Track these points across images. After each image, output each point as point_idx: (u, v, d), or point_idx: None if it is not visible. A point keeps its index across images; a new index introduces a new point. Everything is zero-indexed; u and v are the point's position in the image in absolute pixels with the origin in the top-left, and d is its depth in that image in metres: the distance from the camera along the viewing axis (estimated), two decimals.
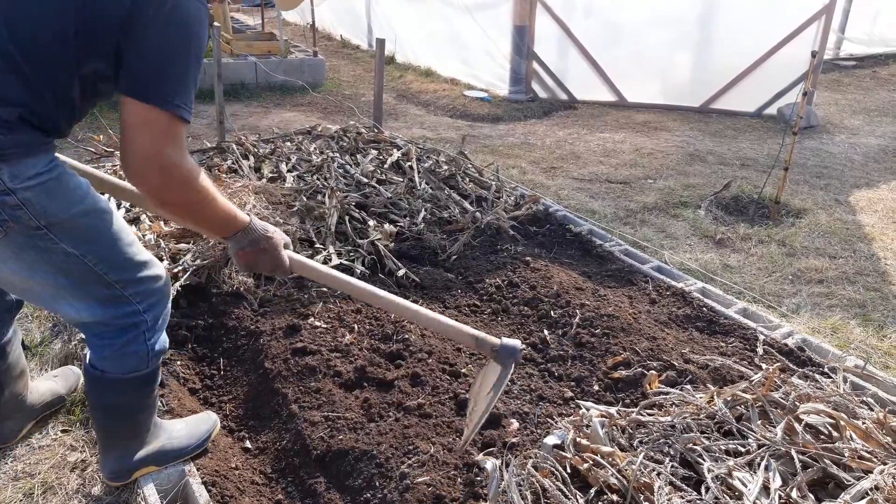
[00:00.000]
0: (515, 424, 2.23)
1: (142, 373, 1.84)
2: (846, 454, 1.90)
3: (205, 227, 1.78)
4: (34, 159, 1.51)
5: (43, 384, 2.36)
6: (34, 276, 1.63)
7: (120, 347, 1.77)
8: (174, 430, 2.07)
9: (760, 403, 2.12)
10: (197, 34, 1.51)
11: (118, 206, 3.48)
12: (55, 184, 1.56)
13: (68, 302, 1.69)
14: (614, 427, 2.10)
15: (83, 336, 2.61)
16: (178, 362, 2.59)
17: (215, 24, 5.00)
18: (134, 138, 1.45)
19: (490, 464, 1.92)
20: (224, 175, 4.07)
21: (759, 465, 1.88)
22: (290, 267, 1.87)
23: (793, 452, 1.90)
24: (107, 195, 2.14)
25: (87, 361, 1.85)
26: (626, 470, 1.86)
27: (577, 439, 2.02)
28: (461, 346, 2.66)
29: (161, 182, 1.50)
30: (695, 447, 1.98)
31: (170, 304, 1.90)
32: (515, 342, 1.98)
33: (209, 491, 1.95)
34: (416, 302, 2.97)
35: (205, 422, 2.16)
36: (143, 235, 3.23)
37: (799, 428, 1.99)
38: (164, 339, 1.88)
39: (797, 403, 2.10)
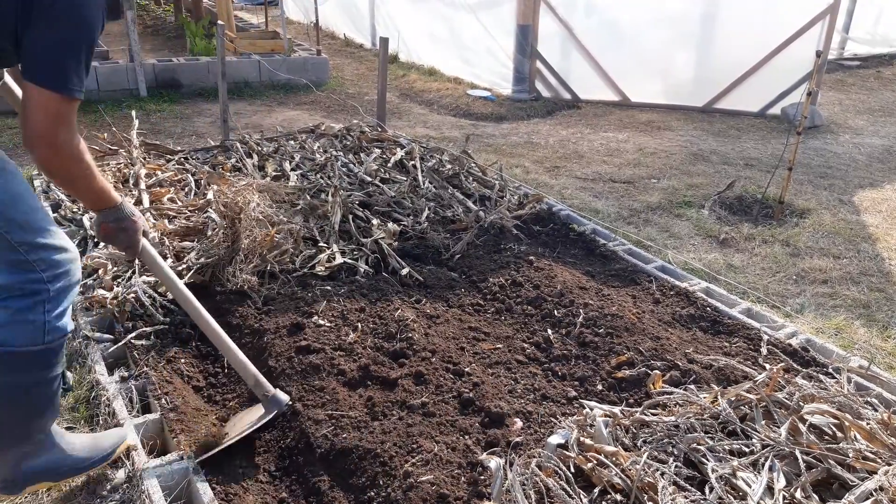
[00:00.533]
0: (519, 423, 2.23)
1: (36, 348, 1.77)
2: (850, 455, 1.90)
3: (81, 198, 1.97)
4: None
5: None
6: None
7: (16, 312, 1.74)
8: (74, 443, 1.98)
9: (764, 404, 2.12)
10: (90, 21, 1.60)
11: None
12: None
13: None
14: (618, 427, 2.10)
15: (91, 334, 2.61)
16: (182, 360, 2.60)
17: (219, 22, 5.00)
18: (30, 116, 1.59)
19: (494, 463, 1.92)
20: (228, 173, 4.07)
21: (763, 465, 1.88)
22: (139, 251, 2.05)
23: (797, 453, 1.90)
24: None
25: None
26: (629, 470, 1.86)
27: (581, 439, 2.02)
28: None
29: (50, 156, 1.65)
30: (699, 447, 1.98)
31: (77, 285, 1.87)
32: (285, 397, 2.25)
33: (213, 489, 1.96)
34: (419, 301, 2.98)
35: (110, 437, 2.07)
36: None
37: (803, 428, 1.99)
38: (66, 322, 1.83)
39: (801, 404, 2.10)
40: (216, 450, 2.07)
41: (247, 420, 2.20)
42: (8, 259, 1.71)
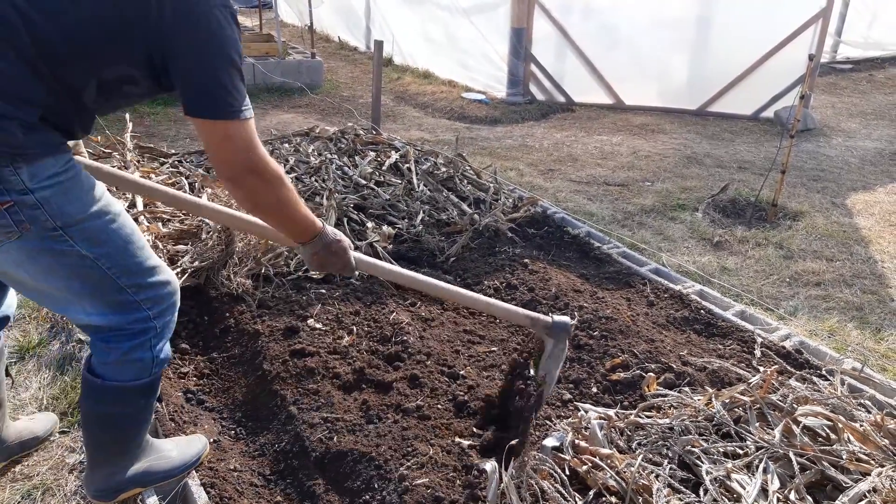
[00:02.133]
0: None
1: (143, 381, 1.79)
2: (844, 456, 1.91)
3: (288, 228, 1.84)
4: (53, 159, 1.51)
5: (20, 423, 2.26)
6: (49, 280, 1.61)
7: (125, 353, 1.74)
8: (164, 450, 2.01)
9: (758, 406, 2.13)
10: (231, 39, 1.52)
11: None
12: (72, 184, 1.56)
13: (80, 306, 1.66)
14: (613, 429, 2.11)
15: (85, 338, 2.61)
16: (177, 361, 2.59)
17: None
18: (219, 153, 1.56)
19: (489, 465, 1.92)
20: None
21: (757, 467, 1.89)
22: (355, 266, 1.99)
23: (791, 455, 1.91)
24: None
25: (86, 367, 1.80)
26: (624, 472, 1.86)
27: (576, 441, 2.03)
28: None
29: (255, 184, 1.61)
30: (693, 449, 1.98)
31: (177, 311, 1.85)
32: (564, 318, 2.12)
33: (208, 493, 1.95)
34: (414, 304, 2.98)
35: (195, 443, 2.10)
36: None
37: (797, 430, 1.99)
38: (168, 349, 1.84)
39: (795, 406, 2.11)
40: (543, 394, 2.09)
41: (548, 361, 2.12)
42: (115, 300, 1.67)
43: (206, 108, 1.50)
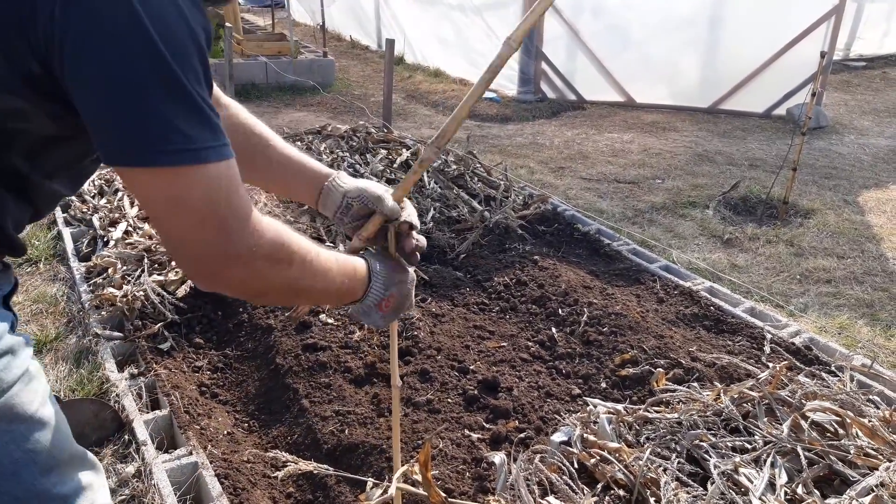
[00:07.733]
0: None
1: None
2: (852, 451, 1.92)
3: (324, 299, 1.26)
4: None
5: None
6: None
7: None
8: None
9: (767, 401, 2.14)
10: (167, 33, 0.81)
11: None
12: None
13: None
14: (621, 423, 2.12)
15: (102, 332, 2.65)
16: (191, 356, 2.63)
17: (227, 24, 5.04)
18: (165, 227, 0.89)
19: (498, 458, 1.94)
20: None
21: (765, 461, 1.90)
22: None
23: (799, 449, 1.92)
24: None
25: None
26: (632, 465, 1.88)
27: (585, 435, 2.05)
28: (465, 335, 2.69)
29: (244, 276, 0.93)
30: (701, 444, 2.00)
31: None
32: None
33: (222, 483, 1.99)
34: (424, 300, 3.00)
35: None
36: (151, 236, 3.27)
37: (805, 425, 2.00)
38: None
39: (804, 401, 2.11)
40: None
41: None
42: None
43: (127, 150, 0.83)
